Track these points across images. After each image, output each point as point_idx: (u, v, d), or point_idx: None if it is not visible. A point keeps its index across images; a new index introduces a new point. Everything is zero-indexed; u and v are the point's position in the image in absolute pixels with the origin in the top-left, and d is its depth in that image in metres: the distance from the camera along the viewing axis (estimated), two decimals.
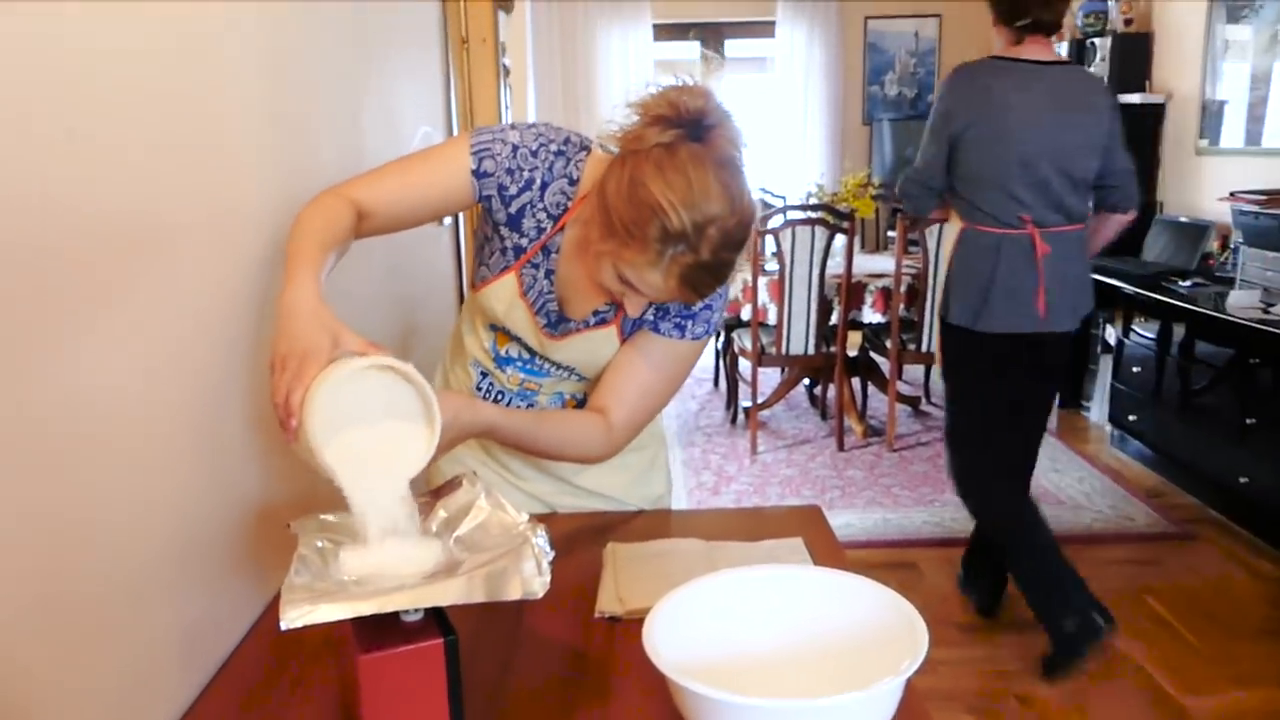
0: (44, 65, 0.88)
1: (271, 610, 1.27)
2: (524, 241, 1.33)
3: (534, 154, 1.30)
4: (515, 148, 1.29)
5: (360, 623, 0.92)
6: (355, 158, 1.77)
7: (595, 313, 1.37)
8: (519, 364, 1.44)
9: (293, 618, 0.85)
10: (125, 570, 1.00)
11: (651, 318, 1.35)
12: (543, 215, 1.32)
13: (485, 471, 1.53)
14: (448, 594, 0.90)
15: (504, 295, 1.36)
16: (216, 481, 1.21)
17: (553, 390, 1.45)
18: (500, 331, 1.43)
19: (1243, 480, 3.46)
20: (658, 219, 1.11)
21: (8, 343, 0.82)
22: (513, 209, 1.31)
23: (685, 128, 1.15)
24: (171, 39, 1.10)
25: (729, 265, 1.17)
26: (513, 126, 1.32)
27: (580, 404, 1.46)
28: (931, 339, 4.30)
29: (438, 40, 2.67)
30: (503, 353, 1.44)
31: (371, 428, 1.02)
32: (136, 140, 1.02)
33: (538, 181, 1.30)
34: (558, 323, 1.38)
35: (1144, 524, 3.64)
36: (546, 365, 1.43)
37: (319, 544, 1.00)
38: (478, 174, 1.29)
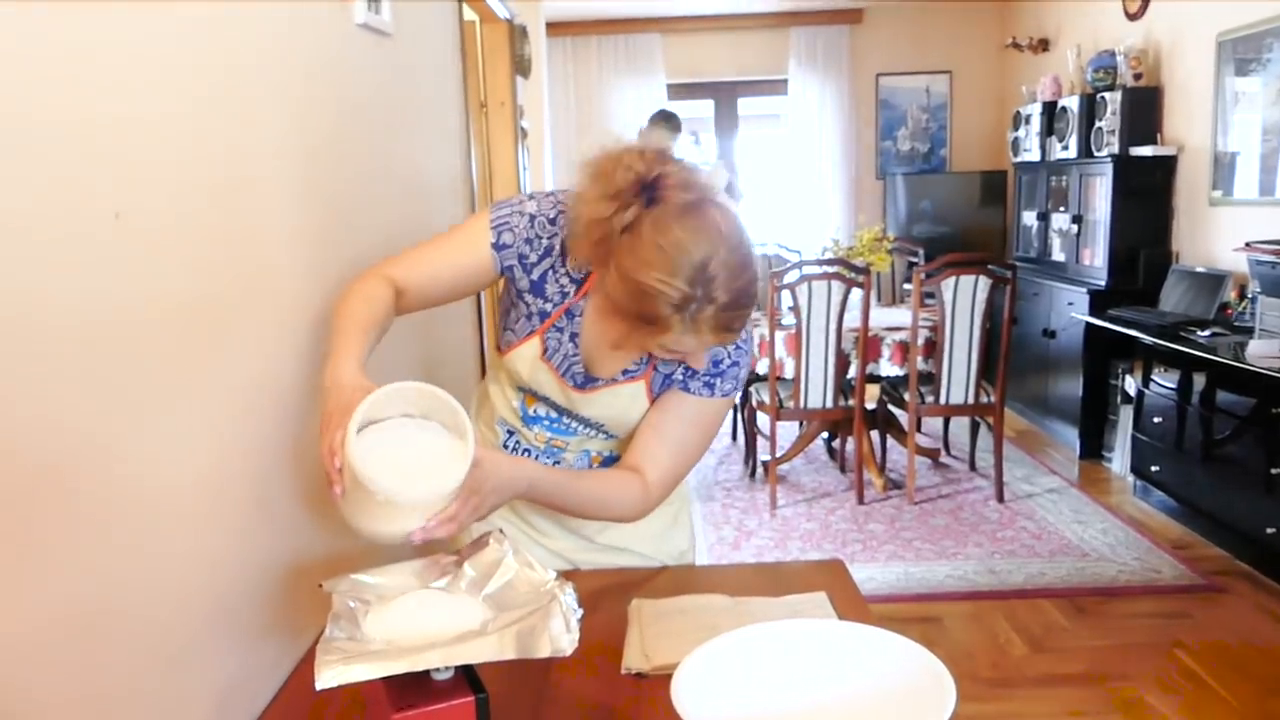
0: (92, 148, 0.92)
1: (303, 669, 1.28)
2: (548, 306, 1.36)
3: (552, 221, 1.33)
4: (532, 217, 1.33)
5: (392, 681, 0.94)
6: (380, 224, 1.82)
7: (624, 371, 1.39)
8: (546, 423, 1.46)
9: (327, 678, 0.86)
10: (161, 634, 1.02)
11: (681, 377, 1.37)
12: (565, 280, 1.35)
13: (509, 528, 1.54)
14: (479, 652, 0.91)
15: (528, 357, 1.39)
16: (249, 544, 1.23)
17: (580, 448, 1.47)
18: (528, 393, 1.45)
19: (1270, 531, 3.42)
20: (660, 298, 1.13)
21: (49, 417, 0.85)
22: (534, 275, 1.35)
23: (638, 198, 1.17)
24: (208, 117, 1.14)
25: (749, 292, 1.18)
26: (530, 197, 1.36)
27: (606, 462, 1.48)
28: (951, 391, 4.31)
29: (458, 105, 2.73)
30: (530, 412, 1.46)
31: (407, 445, 1.06)
32: (177, 219, 1.06)
33: (557, 248, 1.33)
34: (584, 384, 1.40)
35: (1171, 576, 3.60)
36: (574, 424, 1.44)
37: (351, 604, 1.02)
38: (497, 247, 1.33)
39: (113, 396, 0.94)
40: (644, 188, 1.17)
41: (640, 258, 1.13)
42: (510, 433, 1.49)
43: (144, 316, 0.99)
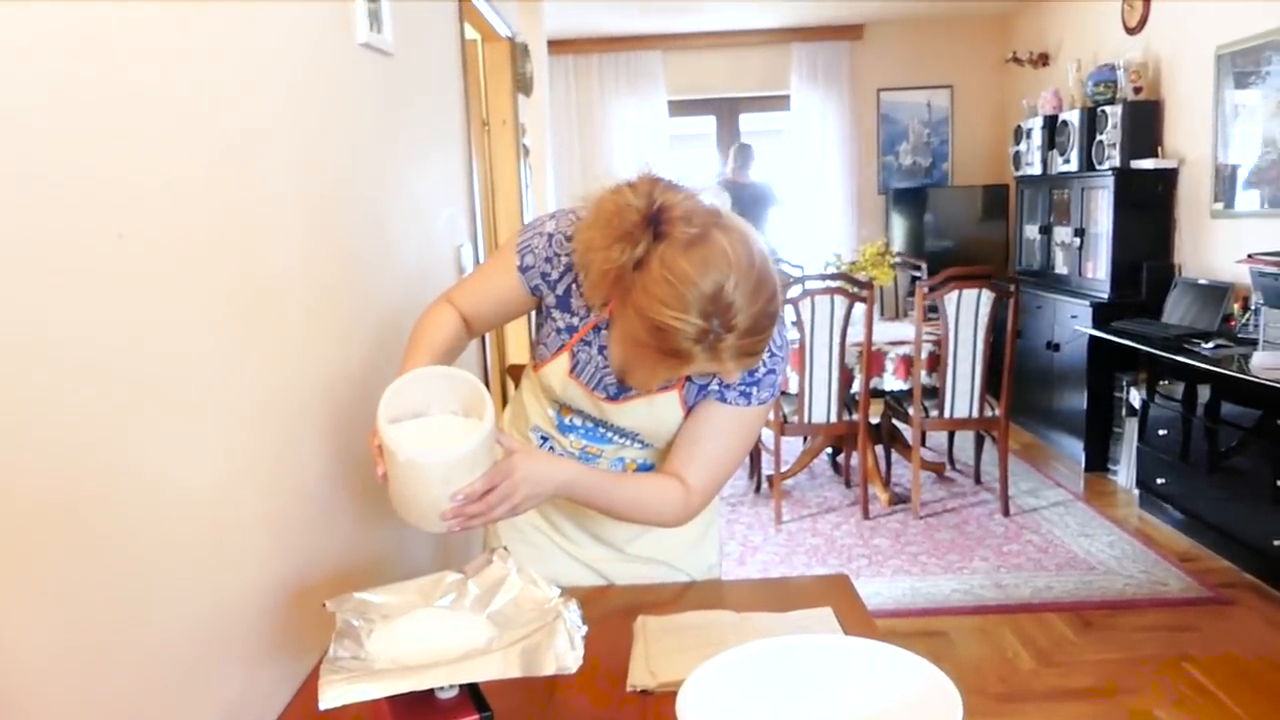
0: (95, 171, 0.92)
1: (307, 687, 1.28)
2: (575, 320, 1.38)
3: (569, 239, 1.34)
4: (550, 236, 1.35)
5: (396, 700, 0.94)
6: (384, 239, 1.82)
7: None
8: (581, 431, 1.47)
9: (331, 698, 0.86)
10: (166, 655, 1.02)
11: (717, 387, 1.38)
12: None
13: (537, 535, 1.55)
14: (483, 670, 0.91)
15: (559, 373, 1.40)
16: (253, 564, 1.23)
17: (614, 456, 1.48)
18: (564, 404, 1.46)
19: (1277, 543, 3.40)
20: (678, 334, 1.12)
21: (56, 442, 0.86)
22: (559, 291, 1.36)
23: (645, 232, 1.17)
24: (210, 137, 1.15)
25: (769, 312, 1.17)
26: (552, 216, 1.37)
27: (640, 470, 1.49)
28: (955, 405, 4.30)
29: (460, 123, 2.75)
30: (566, 421, 1.47)
31: (438, 427, 1.16)
32: (180, 237, 1.07)
33: (577, 263, 1.34)
34: (617, 394, 1.41)
35: (1178, 589, 3.58)
36: (609, 433, 1.45)
37: (355, 623, 1.02)
38: (522, 269, 1.36)
39: (117, 419, 0.94)
40: (649, 222, 1.17)
41: (653, 295, 1.13)
42: (544, 439, 1.50)
43: (148, 338, 0.99)
